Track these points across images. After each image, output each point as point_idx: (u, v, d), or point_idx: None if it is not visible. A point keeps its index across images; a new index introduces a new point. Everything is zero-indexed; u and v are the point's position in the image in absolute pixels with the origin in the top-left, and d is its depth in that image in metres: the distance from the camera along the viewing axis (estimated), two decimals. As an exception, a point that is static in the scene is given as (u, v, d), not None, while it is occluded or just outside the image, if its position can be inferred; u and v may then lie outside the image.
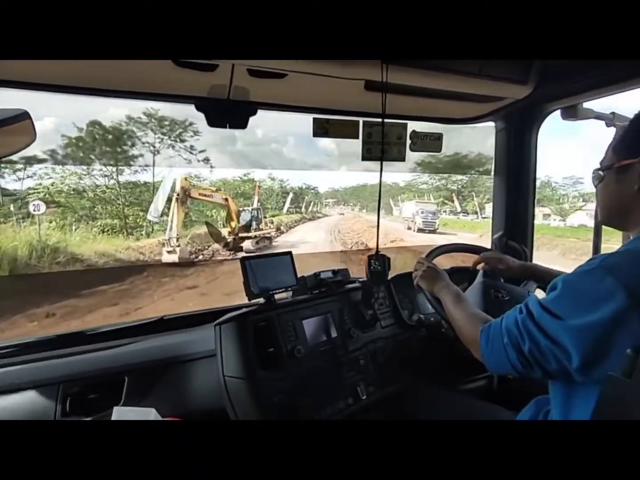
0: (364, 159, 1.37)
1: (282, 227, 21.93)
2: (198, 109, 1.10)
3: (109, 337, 1.09)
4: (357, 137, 1.33)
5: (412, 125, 1.39)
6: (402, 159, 1.38)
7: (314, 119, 1.27)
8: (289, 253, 1.13)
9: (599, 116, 1.25)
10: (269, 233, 14.28)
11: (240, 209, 13.90)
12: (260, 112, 1.22)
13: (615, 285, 0.52)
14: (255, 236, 13.17)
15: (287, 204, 31.01)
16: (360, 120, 1.31)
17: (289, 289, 1.10)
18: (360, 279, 1.23)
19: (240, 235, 12.87)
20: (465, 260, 1.44)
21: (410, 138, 1.39)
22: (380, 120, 1.33)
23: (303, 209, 34.82)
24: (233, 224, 12.98)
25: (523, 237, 1.42)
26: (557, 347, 0.55)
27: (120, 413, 0.79)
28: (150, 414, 0.80)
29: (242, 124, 1.19)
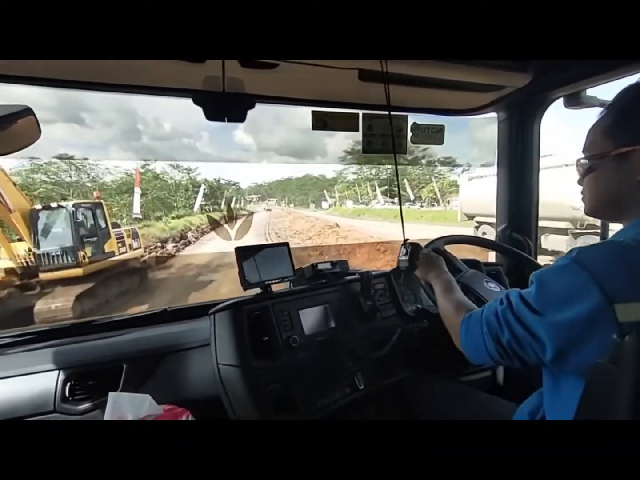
0: (364, 151, 1.36)
1: (190, 235, 15.92)
2: (195, 102, 1.11)
3: (110, 327, 1.11)
4: (357, 130, 1.33)
5: (413, 118, 1.38)
6: (404, 152, 1.37)
7: (313, 112, 1.27)
8: (286, 244, 1.13)
9: (603, 104, 1.22)
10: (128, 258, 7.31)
11: (39, 206, 6.16)
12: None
13: (589, 281, 0.51)
14: (92, 273, 5.94)
15: (199, 200, 25.71)
16: (360, 112, 1.31)
17: (286, 279, 1.10)
18: (360, 271, 1.22)
19: (43, 274, 5.62)
20: (474, 252, 1.42)
21: (412, 130, 1.39)
22: (380, 112, 1.33)
23: (223, 206, 29.78)
24: (20, 247, 5.88)
25: (527, 230, 1.40)
26: (533, 339, 0.56)
27: (116, 399, 0.80)
28: (145, 400, 0.81)
29: (240, 117, 1.19)
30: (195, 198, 27.23)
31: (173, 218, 21.54)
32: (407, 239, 1.09)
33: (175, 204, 27.39)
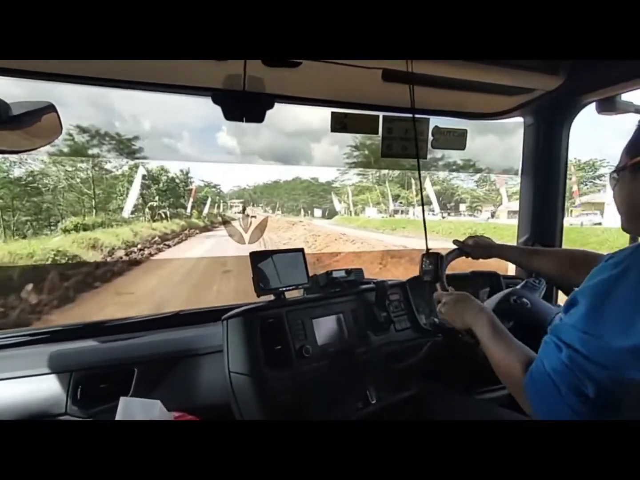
0: (383, 155, 1.33)
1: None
2: (214, 101, 1.10)
3: (123, 329, 1.10)
4: (377, 132, 1.30)
5: (434, 122, 1.34)
6: (424, 157, 1.33)
7: (332, 113, 1.25)
8: (301, 250, 1.10)
9: (638, 110, 1.16)
10: None
11: None
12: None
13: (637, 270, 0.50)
14: None
15: (134, 199, 15.93)
16: (380, 114, 1.28)
17: (300, 287, 1.07)
18: (375, 280, 1.18)
19: None
20: (487, 264, 1.37)
21: (433, 134, 1.34)
22: (402, 115, 1.30)
23: (189, 210, 20.83)
24: None
25: (551, 242, 1.33)
26: (622, 376, 0.48)
27: (126, 404, 0.80)
28: (155, 406, 0.80)
29: (259, 118, 1.17)
30: (140, 196, 16.88)
31: (65, 231, 12.04)
32: (430, 249, 1.05)
33: (91, 204, 16.42)
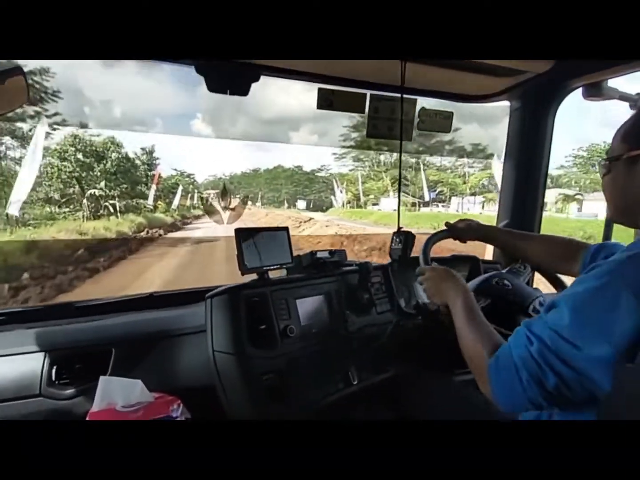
0: (369, 135, 1.31)
1: None
2: (198, 71, 1.05)
3: (97, 310, 1.07)
4: (363, 111, 1.28)
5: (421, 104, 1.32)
6: (409, 139, 1.32)
7: (319, 89, 1.22)
8: (286, 229, 1.09)
9: (623, 96, 1.18)
10: None
11: None
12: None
13: (632, 301, 0.48)
14: None
15: (28, 184, 7.58)
16: (368, 93, 1.25)
17: (284, 266, 1.06)
18: (358, 262, 1.19)
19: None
20: (468, 248, 1.40)
21: (419, 116, 1.34)
22: (389, 94, 1.27)
23: (151, 201, 15.10)
24: None
25: (530, 228, 1.36)
26: (585, 378, 0.50)
27: (106, 382, 0.79)
28: (136, 385, 0.80)
29: (244, 91, 1.13)
30: (75, 181, 11.15)
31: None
32: (401, 227, 1.10)
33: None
